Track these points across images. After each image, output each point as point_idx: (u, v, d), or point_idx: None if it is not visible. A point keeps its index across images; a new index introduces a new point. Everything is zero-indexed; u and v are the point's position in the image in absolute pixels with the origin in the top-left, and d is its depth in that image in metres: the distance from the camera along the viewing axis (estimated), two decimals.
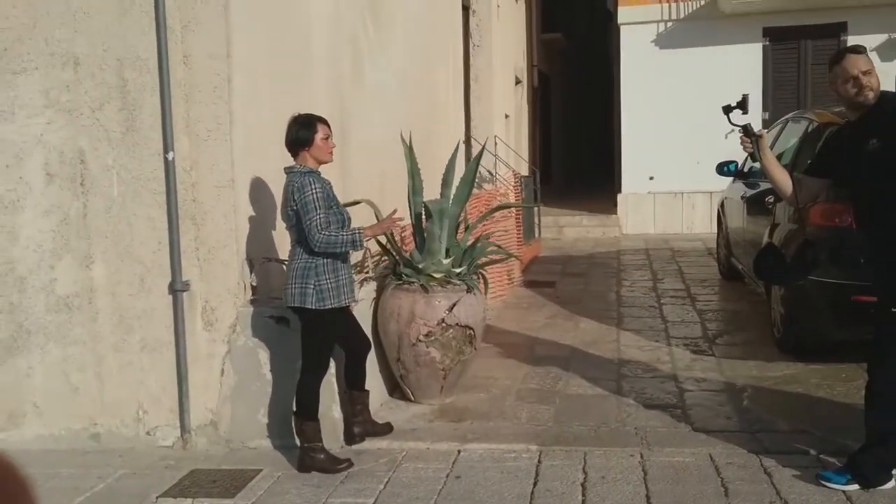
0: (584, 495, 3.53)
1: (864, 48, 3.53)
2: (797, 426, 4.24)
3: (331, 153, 3.96)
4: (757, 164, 7.30)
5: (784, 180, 3.81)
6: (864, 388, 3.62)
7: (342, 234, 3.78)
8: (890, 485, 3.44)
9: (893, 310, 3.37)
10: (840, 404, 4.54)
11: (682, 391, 4.90)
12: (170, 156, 4.21)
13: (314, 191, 3.75)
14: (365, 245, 3.87)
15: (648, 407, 4.62)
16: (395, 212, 4.05)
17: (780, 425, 4.28)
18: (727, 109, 3.78)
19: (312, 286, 3.81)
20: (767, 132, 3.72)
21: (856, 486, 3.44)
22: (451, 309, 4.64)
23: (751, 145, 3.75)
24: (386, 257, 5.18)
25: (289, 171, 3.90)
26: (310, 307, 3.82)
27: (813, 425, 4.23)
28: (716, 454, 3.90)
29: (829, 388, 4.82)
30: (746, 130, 3.73)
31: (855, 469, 3.48)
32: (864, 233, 3.65)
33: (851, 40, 11.56)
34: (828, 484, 3.49)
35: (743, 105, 3.69)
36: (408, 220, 5.02)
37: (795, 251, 3.82)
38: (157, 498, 3.72)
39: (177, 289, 4.27)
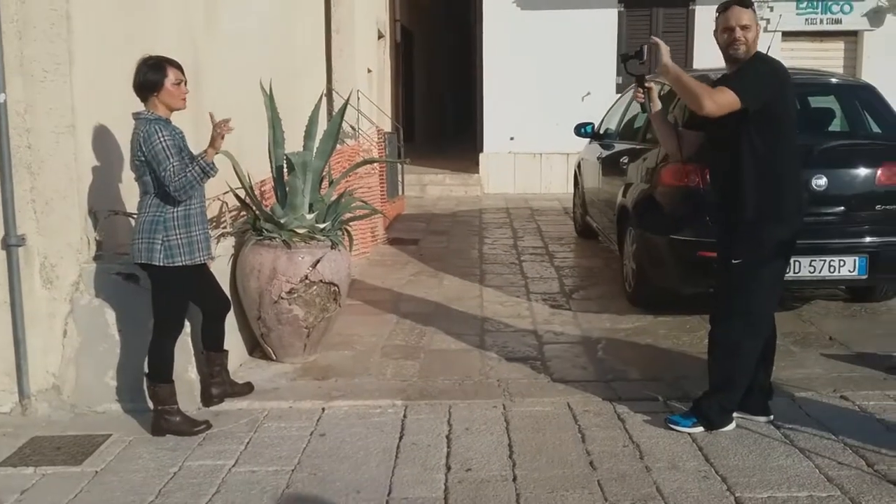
0: (448, 447, 3.57)
1: (752, 3, 3.57)
2: (647, 374, 4.47)
3: (184, 100, 3.72)
4: (612, 126, 7.57)
5: (669, 133, 3.92)
6: (706, 339, 3.84)
7: (189, 171, 3.56)
8: (731, 427, 3.69)
9: (734, 261, 3.57)
10: (685, 353, 4.82)
11: (542, 344, 5.05)
12: (0, 97, 3.82)
13: (162, 139, 3.52)
14: (216, 168, 3.64)
15: (510, 360, 4.73)
16: (212, 115, 3.76)
17: (632, 374, 4.50)
18: (625, 58, 3.81)
19: (160, 242, 3.60)
20: (657, 87, 3.74)
21: (700, 429, 3.67)
22: (314, 265, 4.53)
23: (642, 96, 3.82)
24: (244, 212, 4.98)
25: (136, 117, 3.64)
26: (157, 264, 3.61)
27: (661, 373, 4.47)
28: (573, 403, 4.05)
29: (675, 338, 5.11)
30: (640, 81, 3.80)
31: (699, 413, 3.70)
32: (713, 189, 3.84)
33: (700, 10, 12.16)
34: (675, 427, 3.70)
35: (640, 55, 3.72)
36: (268, 172, 4.83)
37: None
38: None
39: (11, 244, 3.91)
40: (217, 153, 3.67)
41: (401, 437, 3.67)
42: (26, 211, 3.94)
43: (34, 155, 3.91)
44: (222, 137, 3.66)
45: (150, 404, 3.79)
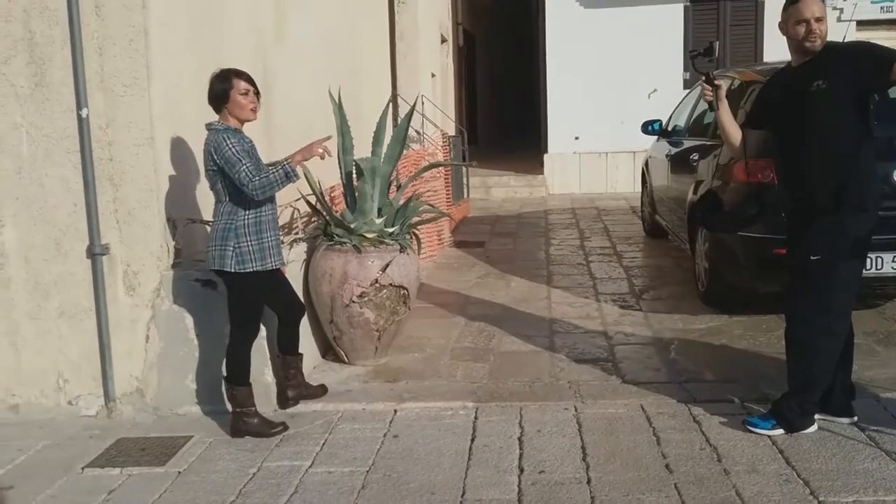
0: (521, 449, 3.56)
1: None
2: (723, 376, 4.38)
3: (253, 110, 3.78)
4: (680, 123, 7.43)
5: (735, 132, 3.87)
6: (783, 338, 3.72)
7: (272, 173, 3.64)
8: (812, 429, 3.58)
9: (813, 258, 3.47)
10: (761, 354, 4.69)
11: (612, 345, 4.99)
12: (83, 112, 3.99)
13: (230, 145, 3.61)
14: (298, 175, 3.73)
15: (580, 361, 4.69)
16: (328, 138, 3.87)
17: (707, 375, 4.41)
18: (694, 55, 3.77)
19: (232, 248, 3.69)
20: (721, 87, 3.71)
21: (781, 431, 3.57)
22: (384, 269, 4.58)
23: (711, 94, 3.77)
24: (315, 217, 5.07)
25: (208, 127, 3.75)
26: (229, 270, 3.70)
27: (737, 374, 4.37)
28: (647, 405, 3.99)
29: (751, 338, 4.98)
30: (708, 78, 3.75)
31: (779, 415, 3.61)
32: (785, 186, 3.74)
33: (769, 2, 11.85)
34: (754, 429, 3.61)
35: (710, 52, 3.67)
36: (334, 168, 4.90)
37: (743, 200, 3.85)
38: (82, 468, 3.58)
39: (95, 252, 4.08)
40: (303, 161, 3.75)
41: (473, 439, 3.69)
42: (109, 221, 4.10)
43: (116, 167, 4.07)
44: (313, 153, 3.76)
45: (229, 407, 3.90)
